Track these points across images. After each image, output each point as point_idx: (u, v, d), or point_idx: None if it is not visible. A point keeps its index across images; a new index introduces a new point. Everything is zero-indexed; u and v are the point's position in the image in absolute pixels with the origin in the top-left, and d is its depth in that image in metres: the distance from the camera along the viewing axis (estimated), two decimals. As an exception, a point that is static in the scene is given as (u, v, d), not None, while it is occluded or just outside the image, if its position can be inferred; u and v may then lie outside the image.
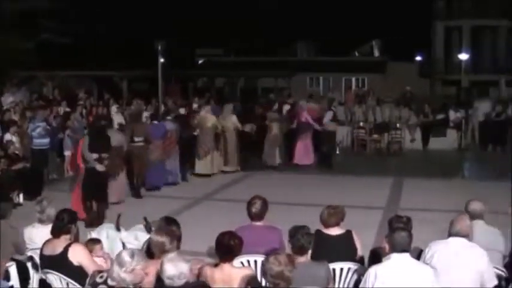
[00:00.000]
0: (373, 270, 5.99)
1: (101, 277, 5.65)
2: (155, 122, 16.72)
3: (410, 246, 6.11)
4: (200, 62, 54.86)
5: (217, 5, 54.80)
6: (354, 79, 51.41)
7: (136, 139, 15.33)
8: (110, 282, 5.52)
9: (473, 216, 7.38)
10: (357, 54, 56.93)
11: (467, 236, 6.63)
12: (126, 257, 5.47)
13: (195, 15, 53.46)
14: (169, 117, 17.46)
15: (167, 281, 5.41)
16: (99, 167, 12.50)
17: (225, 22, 53.89)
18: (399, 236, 6.00)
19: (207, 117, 18.36)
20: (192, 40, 53.30)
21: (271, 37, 55.07)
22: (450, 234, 6.67)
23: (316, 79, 51.88)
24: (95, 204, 12.66)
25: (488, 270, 6.53)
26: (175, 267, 5.40)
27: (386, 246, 6.08)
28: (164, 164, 16.41)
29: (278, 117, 20.22)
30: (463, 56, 43.39)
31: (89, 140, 12.79)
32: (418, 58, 55.78)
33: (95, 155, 12.49)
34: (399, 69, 49.18)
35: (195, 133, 18.18)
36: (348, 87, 46.60)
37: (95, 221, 11.75)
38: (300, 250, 6.44)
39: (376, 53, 56.38)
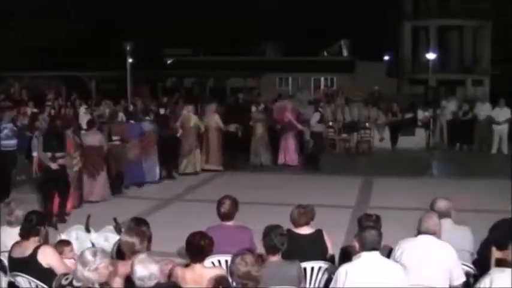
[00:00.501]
0: (343, 269, 6.03)
1: (66, 279, 5.62)
2: (132, 121, 17.00)
3: (380, 245, 6.15)
4: (169, 62, 54.71)
5: (185, 5, 54.66)
6: (322, 79, 51.72)
7: (113, 138, 15.62)
8: (75, 283, 5.48)
9: (440, 214, 7.43)
10: (325, 54, 57.23)
11: (435, 233, 6.68)
12: (88, 256, 5.45)
13: (163, 15, 53.28)
14: (147, 117, 17.59)
15: (138, 282, 5.39)
16: (53, 166, 12.73)
17: (193, 22, 53.80)
18: (369, 234, 6.04)
19: (190, 116, 18.45)
20: (161, 40, 53.12)
21: (241, 37, 55.07)
22: (419, 232, 6.73)
23: (285, 79, 52.09)
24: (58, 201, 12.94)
25: (457, 268, 6.60)
26: (145, 269, 5.39)
27: (356, 245, 6.12)
28: (142, 162, 16.65)
29: (263, 117, 20.17)
30: (430, 56, 43.78)
31: (43, 139, 13.15)
32: (386, 58, 56.23)
33: (49, 154, 12.78)
34: (367, 68, 49.57)
35: (178, 134, 18.32)
36: (316, 87, 46.82)
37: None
38: (272, 250, 6.45)
39: (345, 53, 56.74)
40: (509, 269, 5.76)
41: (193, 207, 14.25)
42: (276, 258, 6.43)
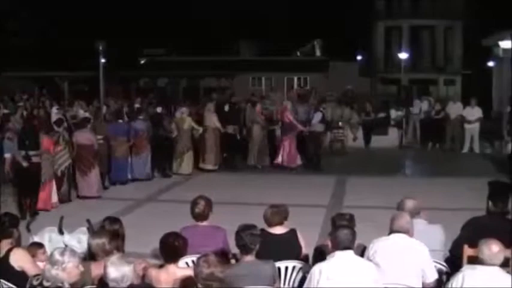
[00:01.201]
0: (317, 268, 6.05)
1: (37, 279, 5.61)
2: (120, 120, 17.60)
3: (354, 244, 6.18)
4: (142, 62, 54.47)
5: (159, 4, 54.52)
6: (296, 78, 51.80)
7: (97, 137, 15.94)
8: (45, 283, 5.48)
9: (410, 214, 7.48)
10: (298, 54, 57.30)
11: (408, 232, 6.73)
12: (57, 255, 5.48)
13: (136, 15, 53.06)
14: (141, 117, 18.05)
15: (111, 284, 5.37)
16: (25, 164, 13.16)
17: (167, 22, 53.67)
18: (342, 233, 6.07)
19: (184, 118, 18.70)
20: (134, 40, 52.88)
21: (214, 37, 55.01)
22: (391, 231, 6.78)
23: (259, 79, 52.11)
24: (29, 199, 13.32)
25: (429, 266, 6.65)
26: (117, 270, 5.37)
27: (330, 244, 6.15)
28: (128, 160, 17.27)
29: (259, 119, 20.06)
30: (403, 55, 44.11)
31: (17, 138, 13.73)
32: (359, 57, 56.46)
33: (23, 152, 13.19)
34: (341, 68, 49.74)
35: (173, 135, 18.63)
36: (290, 87, 46.88)
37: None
38: (243, 249, 6.46)
39: (318, 53, 56.84)
40: (481, 266, 5.83)
41: (168, 207, 14.20)
42: (249, 258, 6.43)
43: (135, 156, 17.46)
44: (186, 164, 18.68)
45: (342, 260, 5.98)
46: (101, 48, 22.07)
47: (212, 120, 19.13)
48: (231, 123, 19.82)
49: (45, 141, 13.73)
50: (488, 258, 5.82)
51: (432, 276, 6.63)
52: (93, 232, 6.94)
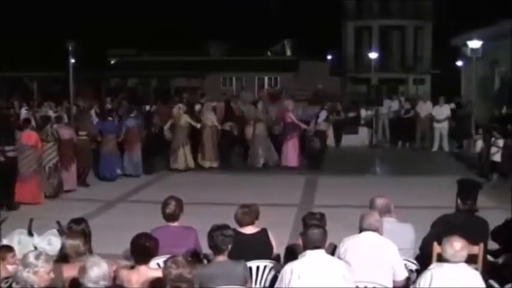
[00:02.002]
0: (288, 268, 6.07)
1: (6, 282, 5.56)
2: (110, 118, 18.33)
3: (325, 243, 6.22)
4: (112, 62, 54.15)
5: (129, 4, 54.23)
6: (266, 78, 51.80)
7: (80, 133, 16.75)
8: (14, 285, 5.43)
9: (380, 212, 7.53)
10: (269, 53, 57.34)
11: (377, 230, 6.78)
12: (31, 258, 5.42)
13: (106, 14, 52.72)
14: (132, 115, 18.65)
15: (91, 285, 5.33)
16: (1, 158, 13.63)
17: (137, 22, 53.40)
18: (313, 233, 6.10)
19: (180, 115, 19.02)
20: (104, 40, 52.55)
21: (184, 37, 54.85)
22: (361, 229, 6.83)
23: (229, 79, 52.03)
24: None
25: (399, 264, 6.72)
26: (99, 269, 5.35)
27: (301, 243, 6.17)
28: (117, 157, 17.89)
29: (263, 117, 20.05)
30: (373, 55, 44.24)
31: None
32: (329, 57, 56.61)
33: None
34: (311, 68, 49.84)
35: (166, 130, 19.20)
36: (260, 87, 46.90)
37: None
38: (215, 250, 6.47)
39: (288, 53, 56.94)
40: (448, 264, 5.90)
41: (138, 208, 14.15)
42: (221, 258, 6.44)
43: (127, 153, 18.11)
44: (181, 160, 18.97)
45: (313, 259, 6.01)
46: (70, 48, 21.91)
47: (209, 118, 19.45)
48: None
49: (25, 136, 14.26)
50: (452, 257, 5.89)
51: (402, 274, 6.70)
52: (67, 233, 6.89)
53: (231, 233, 6.61)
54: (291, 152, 19.62)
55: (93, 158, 17.55)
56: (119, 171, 17.94)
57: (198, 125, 19.26)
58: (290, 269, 6.02)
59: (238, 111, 21.05)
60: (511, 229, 7.77)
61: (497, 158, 17.05)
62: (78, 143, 16.40)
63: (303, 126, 19.99)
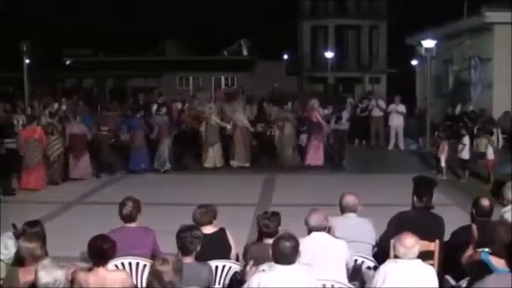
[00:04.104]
0: (256, 279, 5.85)
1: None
2: (137, 115, 19.27)
3: (296, 258, 5.90)
4: (68, 62, 53.60)
5: (84, 4, 53.76)
6: (223, 78, 51.82)
7: (102, 128, 18.59)
8: None
9: (346, 209, 7.61)
10: (225, 53, 57.35)
11: (325, 228, 6.84)
12: None
13: (61, 14, 52.18)
14: (161, 112, 19.56)
15: None
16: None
17: (92, 22, 52.96)
18: (284, 246, 5.77)
19: (210, 113, 19.40)
20: (59, 40, 51.98)
21: (140, 37, 54.54)
22: (310, 230, 6.87)
23: (186, 78, 51.91)
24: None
25: (350, 256, 6.89)
26: (49, 275, 5.30)
27: (271, 253, 5.95)
28: (143, 152, 18.87)
29: (291, 117, 20.12)
30: (329, 54, 44.61)
31: None
32: (286, 57, 56.82)
33: None
34: (268, 67, 49.95)
35: (201, 129, 19.94)
36: (217, 86, 46.87)
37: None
38: (182, 250, 6.42)
39: (245, 52, 57.01)
40: (402, 260, 5.97)
41: (96, 209, 14.03)
42: (188, 260, 6.39)
43: (156, 148, 19.04)
44: (211, 158, 19.35)
45: (283, 274, 5.75)
46: (25, 48, 21.68)
47: (240, 118, 19.53)
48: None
49: (30, 130, 16.46)
50: (404, 255, 5.96)
51: (352, 261, 6.93)
52: (23, 236, 6.81)
53: (199, 234, 6.59)
54: (316, 151, 19.74)
55: (115, 152, 19.29)
56: (143, 166, 18.75)
57: (229, 126, 19.58)
58: (258, 281, 5.88)
59: (194, 111, 21.00)
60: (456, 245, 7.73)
61: (465, 155, 17.22)
62: (100, 138, 18.37)
63: (325, 125, 20.29)
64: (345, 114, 20.27)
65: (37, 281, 5.32)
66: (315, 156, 19.73)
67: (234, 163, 19.54)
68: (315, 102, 20.44)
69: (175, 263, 5.37)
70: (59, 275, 5.33)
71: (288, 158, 19.77)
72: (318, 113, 19.96)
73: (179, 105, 22.42)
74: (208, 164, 19.38)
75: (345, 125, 20.10)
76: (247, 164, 19.55)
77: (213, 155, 19.41)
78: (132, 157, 18.77)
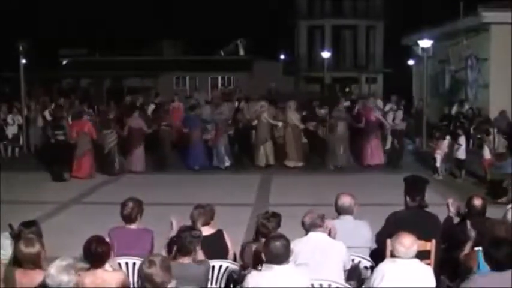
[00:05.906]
0: (252, 280, 5.87)
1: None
2: (193, 113, 19.92)
3: (289, 257, 5.88)
4: (64, 62, 53.57)
5: (81, 3, 53.68)
6: (220, 78, 51.79)
7: (163, 123, 19.61)
8: None
9: (342, 211, 7.59)
10: (222, 53, 57.34)
11: (321, 227, 6.83)
12: None
13: (58, 14, 52.11)
14: (218, 111, 20.01)
15: None
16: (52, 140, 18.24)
17: (89, 22, 52.90)
18: (275, 246, 5.75)
19: (262, 112, 19.79)
20: (56, 40, 51.91)
21: (137, 36, 54.51)
22: (306, 230, 6.88)
23: (183, 78, 51.84)
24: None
25: (347, 258, 6.87)
26: (68, 275, 5.26)
27: (263, 255, 5.95)
28: (201, 149, 19.53)
29: (344, 116, 19.92)
30: (325, 54, 44.57)
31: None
32: (283, 57, 56.82)
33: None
34: (264, 67, 49.94)
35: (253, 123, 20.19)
36: (214, 86, 46.86)
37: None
38: (181, 250, 6.40)
39: (242, 52, 57.02)
40: (400, 259, 5.97)
41: (94, 209, 14.02)
42: (187, 260, 6.38)
43: (214, 145, 19.60)
44: (262, 157, 19.51)
45: (278, 275, 5.73)
46: (21, 48, 21.63)
47: (292, 117, 19.59)
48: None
49: (80, 124, 18.17)
50: (404, 254, 5.95)
51: (349, 263, 6.90)
52: (22, 240, 6.78)
53: (199, 234, 6.58)
54: (376, 150, 19.75)
55: (173, 147, 20.44)
56: (200, 162, 19.26)
57: (279, 124, 19.81)
58: (252, 281, 5.87)
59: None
60: (451, 227, 7.83)
61: (461, 155, 17.23)
62: (160, 132, 19.46)
63: (387, 124, 20.45)
64: (399, 114, 20.18)
65: (51, 282, 5.24)
66: (375, 155, 19.67)
67: (290, 163, 19.57)
68: (371, 101, 20.86)
69: (162, 262, 5.35)
70: (73, 274, 5.30)
71: (340, 158, 19.56)
72: (376, 112, 20.10)
73: (176, 105, 22.42)
74: (260, 162, 19.55)
75: (401, 124, 19.95)
76: (300, 164, 19.60)
77: (264, 153, 19.55)
78: (190, 154, 19.36)
